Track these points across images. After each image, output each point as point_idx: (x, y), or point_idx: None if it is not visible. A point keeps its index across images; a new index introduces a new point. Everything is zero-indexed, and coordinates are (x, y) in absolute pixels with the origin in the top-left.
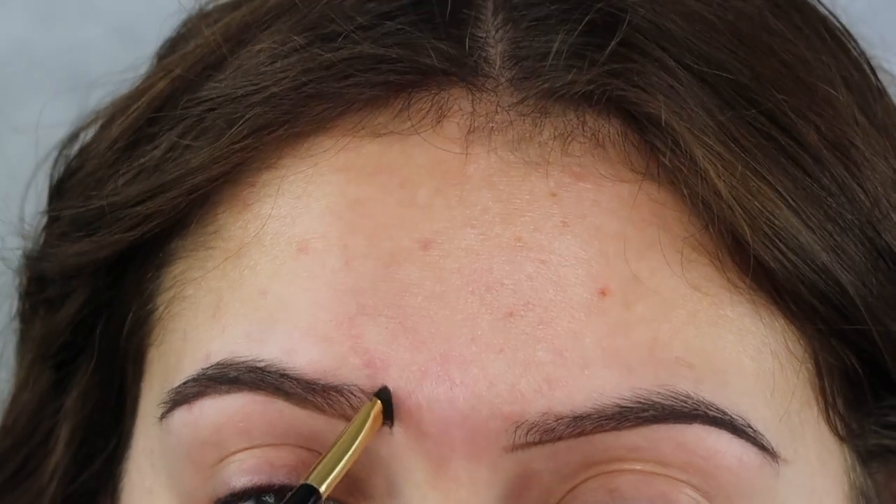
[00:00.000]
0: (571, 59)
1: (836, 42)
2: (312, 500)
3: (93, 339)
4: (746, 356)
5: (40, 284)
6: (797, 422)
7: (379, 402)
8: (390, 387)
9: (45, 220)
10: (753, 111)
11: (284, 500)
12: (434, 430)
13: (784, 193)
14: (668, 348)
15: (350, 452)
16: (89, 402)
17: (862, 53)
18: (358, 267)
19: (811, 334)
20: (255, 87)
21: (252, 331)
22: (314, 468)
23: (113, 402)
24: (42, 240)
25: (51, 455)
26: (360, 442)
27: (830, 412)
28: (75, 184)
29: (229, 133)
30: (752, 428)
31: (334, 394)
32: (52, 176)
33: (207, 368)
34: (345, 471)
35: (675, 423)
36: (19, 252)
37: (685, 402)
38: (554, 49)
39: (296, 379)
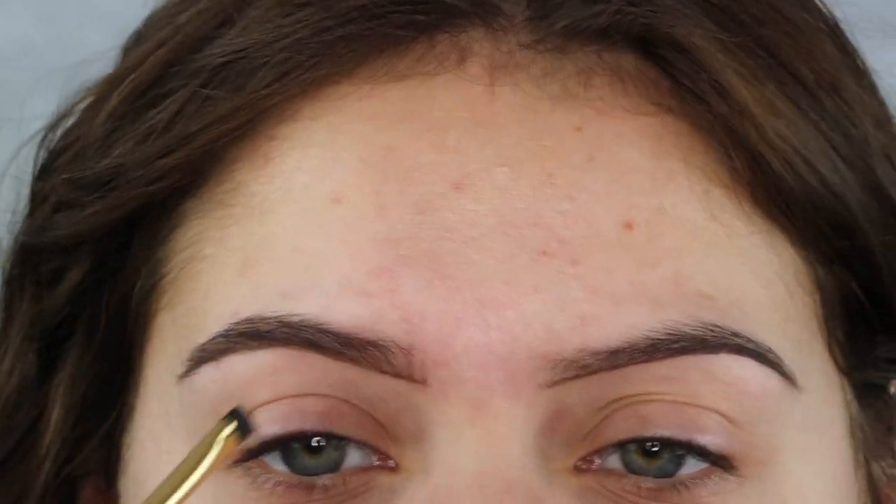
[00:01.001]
0: None
1: (817, 11)
2: None
3: (91, 314)
4: (760, 286)
5: (34, 261)
6: (808, 352)
7: (232, 423)
8: (427, 340)
9: (30, 203)
10: (756, 44)
11: None
12: (472, 374)
13: (795, 118)
14: (692, 281)
15: (193, 479)
16: (85, 379)
17: (831, 14)
18: (392, 216)
19: (816, 262)
20: (275, 36)
21: (286, 287)
22: (150, 497)
23: (112, 375)
24: (33, 217)
25: (41, 440)
26: (207, 468)
27: (833, 344)
28: (68, 160)
29: (252, 80)
30: (774, 353)
31: (371, 348)
32: (35, 160)
33: (237, 324)
34: (184, 499)
35: (703, 353)
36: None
37: (713, 332)
38: None
39: (333, 333)
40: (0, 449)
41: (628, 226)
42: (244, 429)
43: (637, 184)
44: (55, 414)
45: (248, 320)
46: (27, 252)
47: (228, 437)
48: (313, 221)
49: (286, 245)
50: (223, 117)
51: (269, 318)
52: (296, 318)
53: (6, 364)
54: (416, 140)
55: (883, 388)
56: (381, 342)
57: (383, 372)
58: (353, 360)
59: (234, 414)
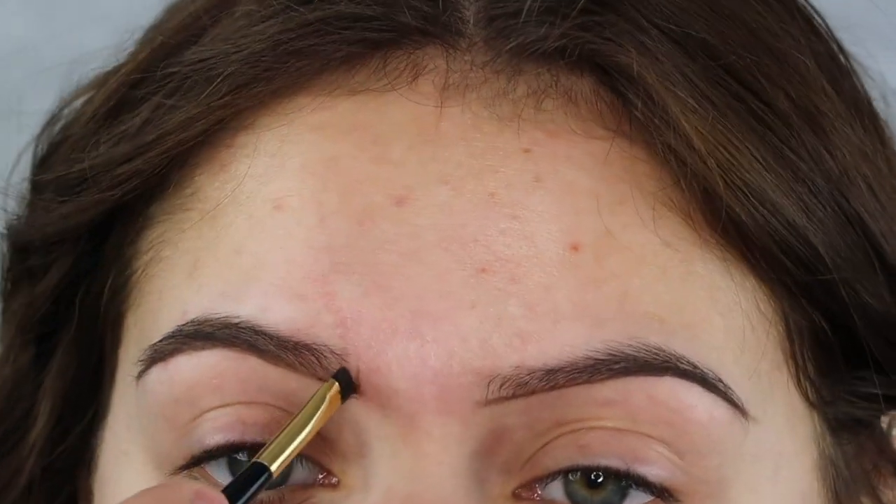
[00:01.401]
0: (543, 16)
1: (805, 21)
2: (263, 478)
3: (72, 310)
4: (716, 312)
5: (23, 255)
6: (767, 383)
7: (336, 383)
8: (360, 346)
9: (27, 194)
10: (723, 72)
11: (235, 477)
12: (405, 386)
13: (754, 151)
14: (638, 302)
15: (304, 434)
16: (68, 374)
17: (831, 34)
18: (332, 224)
19: (782, 295)
20: (235, 48)
21: (228, 289)
22: (267, 447)
23: (90, 373)
24: (26, 213)
25: (31, 429)
26: (314, 424)
27: (801, 377)
28: (59, 156)
29: (208, 90)
30: (722, 382)
31: (306, 352)
32: (35, 153)
33: (184, 325)
34: (297, 451)
35: (646, 375)
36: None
37: (657, 355)
38: (527, 6)
39: (269, 335)
40: None
41: (574, 247)
42: (348, 389)
43: (585, 206)
44: (44, 405)
45: (195, 321)
46: (19, 245)
47: (333, 396)
48: (256, 226)
49: (230, 248)
50: (180, 126)
51: (213, 320)
52: (236, 320)
53: (3, 352)
54: (360, 152)
55: (867, 424)
56: (314, 346)
57: (319, 378)
58: (290, 366)
59: (340, 374)
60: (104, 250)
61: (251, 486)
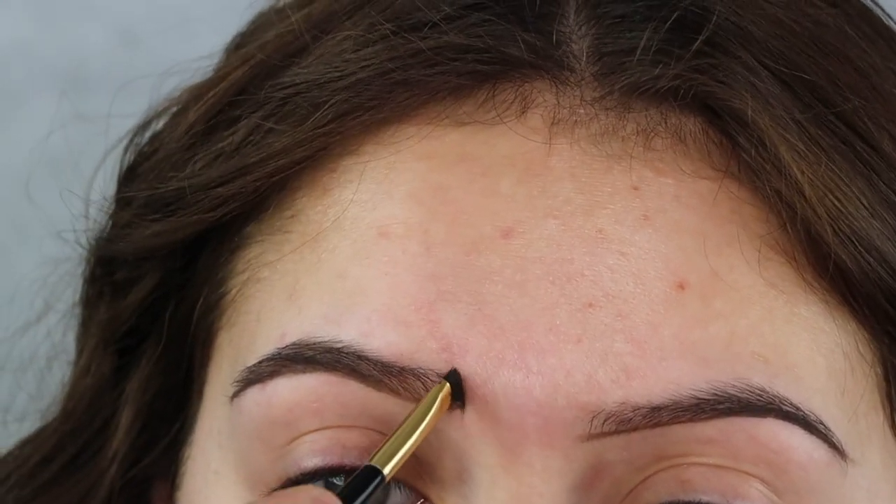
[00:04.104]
0: (657, 56)
1: None
2: (377, 481)
3: (159, 324)
4: (819, 354)
5: (109, 268)
6: (864, 425)
7: (448, 384)
8: (466, 373)
9: (113, 204)
10: (831, 114)
11: (348, 480)
12: (508, 416)
13: (862, 197)
14: (744, 343)
15: (416, 435)
16: (152, 387)
17: None
18: (438, 253)
19: (882, 338)
20: (340, 73)
21: (330, 312)
22: (379, 449)
23: (178, 386)
24: (111, 224)
25: (111, 440)
26: (426, 424)
27: None
28: (149, 168)
29: (314, 117)
30: (823, 425)
31: (410, 377)
32: (122, 162)
33: (283, 348)
34: (410, 453)
35: (749, 416)
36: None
37: (760, 396)
38: (641, 45)
39: (373, 361)
40: (73, 444)
41: (681, 286)
42: (458, 390)
43: (691, 246)
44: (125, 417)
45: (295, 344)
46: (103, 258)
47: (444, 397)
48: (360, 252)
49: (332, 272)
50: (282, 151)
51: (314, 344)
52: (339, 344)
53: (83, 361)
54: (469, 183)
55: None
56: (419, 370)
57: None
58: (393, 391)
59: (451, 375)
60: (195, 267)
61: (365, 489)
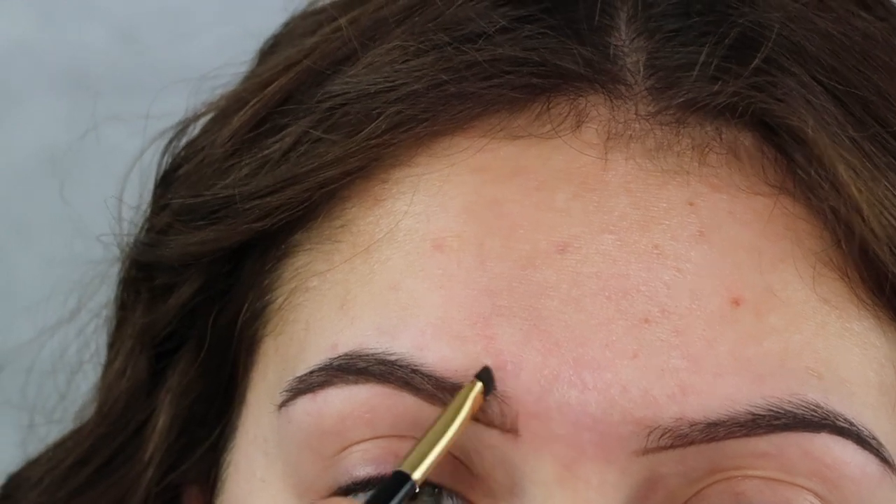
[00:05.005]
0: (715, 72)
1: None
2: (407, 487)
3: (199, 329)
4: (871, 369)
5: (148, 271)
6: None
7: (480, 383)
8: (521, 390)
9: (150, 208)
10: (883, 130)
11: (378, 488)
12: (564, 432)
13: None
14: (798, 358)
15: (447, 438)
16: (192, 391)
17: None
18: (493, 267)
19: None
20: (391, 84)
21: (383, 324)
22: (409, 454)
23: (218, 392)
24: (148, 228)
25: (147, 444)
26: (458, 426)
27: None
28: (188, 173)
29: (368, 128)
30: (875, 440)
31: None
32: (159, 166)
33: (335, 358)
34: (441, 457)
35: (803, 431)
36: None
37: (815, 412)
38: (700, 61)
39: (426, 375)
40: (107, 448)
41: (735, 302)
42: (489, 387)
43: (746, 262)
44: (161, 421)
45: (347, 355)
46: (140, 262)
47: (476, 396)
48: (414, 264)
49: (385, 283)
50: (335, 161)
51: (367, 355)
52: (392, 357)
53: (118, 365)
54: (524, 197)
55: None
56: None
57: (475, 420)
58: (446, 405)
59: (483, 373)
60: (240, 274)
61: (395, 495)
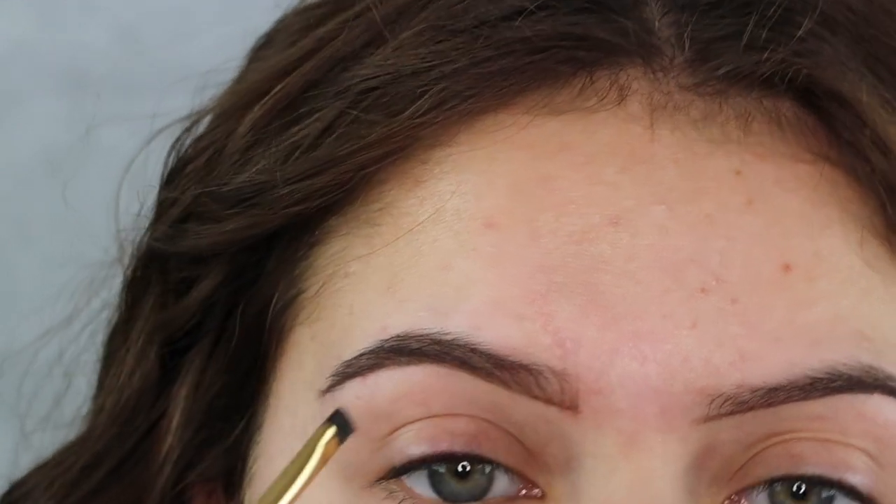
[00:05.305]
0: (754, 42)
1: None
2: None
3: (220, 323)
4: None
5: (163, 267)
6: None
7: (333, 426)
8: (581, 368)
9: (161, 203)
10: None
11: None
12: (626, 405)
13: None
14: (848, 322)
15: (298, 483)
16: (212, 387)
17: None
18: (547, 244)
19: None
20: (430, 64)
21: (436, 304)
22: (263, 498)
23: (240, 385)
24: (164, 221)
25: (160, 443)
26: (309, 473)
27: None
28: (201, 167)
29: (411, 108)
30: None
31: (523, 372)
32: (167, 161)
33: (386, 340)
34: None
35: (858, 392)
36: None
37: (868, 373)
38: (746, 33)
39: (484, 354)
40: (119, 449)
41: (786, 268)
42: (344, 431)
43: (795, 229)
44: (176, 419)
45: (398, 336)
46: (154, 257)
47: (330, 440)
48: (465, 243)
49: (435, 264)
50: (377, 142)
51: (420, 335)
52: (448, 337)
53: (128, 365)
54: (573, 172)
55: None
56: (533, 366)
57: (534, 397)
58: (504, 383)
59: (336, 417)
60: (268, 263)
61: None
